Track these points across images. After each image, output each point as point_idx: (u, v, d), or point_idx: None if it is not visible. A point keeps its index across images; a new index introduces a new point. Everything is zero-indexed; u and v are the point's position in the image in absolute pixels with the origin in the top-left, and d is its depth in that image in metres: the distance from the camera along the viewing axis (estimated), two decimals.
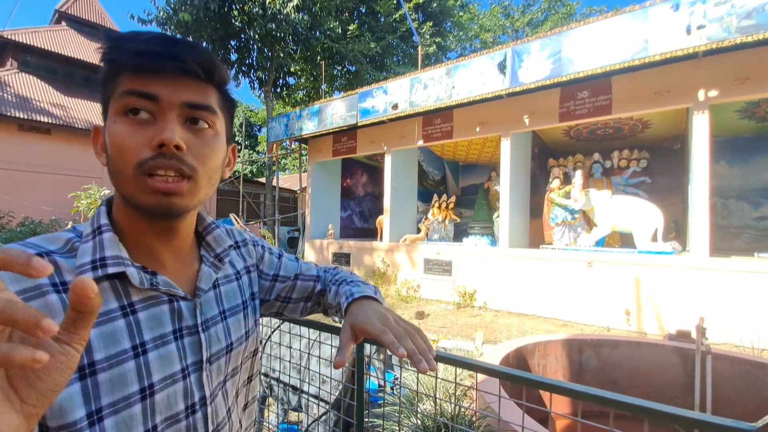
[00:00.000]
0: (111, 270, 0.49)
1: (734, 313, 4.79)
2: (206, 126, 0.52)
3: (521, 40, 6.48)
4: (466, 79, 6.95)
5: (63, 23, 16.82)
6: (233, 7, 12.69)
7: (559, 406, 2.88)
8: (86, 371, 0.46)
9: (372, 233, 11.08)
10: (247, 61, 14.62)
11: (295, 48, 14.46)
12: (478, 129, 7.51)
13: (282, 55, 14.03)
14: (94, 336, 0.47)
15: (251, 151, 30.07)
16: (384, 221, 9.05)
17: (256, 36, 13.01)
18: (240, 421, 0.65)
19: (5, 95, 12.63)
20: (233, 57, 14.46)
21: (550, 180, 7.26)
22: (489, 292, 6.87)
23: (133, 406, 0.48)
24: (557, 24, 21.48)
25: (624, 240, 6.91)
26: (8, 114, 11.90)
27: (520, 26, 23.95)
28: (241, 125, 20.66)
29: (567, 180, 7.24)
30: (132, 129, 0.48)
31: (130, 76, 0.48)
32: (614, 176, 7.90)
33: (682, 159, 7.24)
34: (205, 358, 0.56)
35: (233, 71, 14.67)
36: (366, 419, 1.08)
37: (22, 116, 12.15)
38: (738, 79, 5.12)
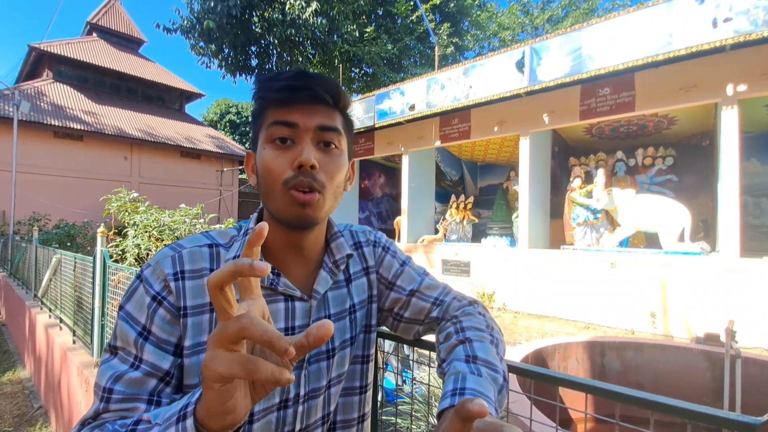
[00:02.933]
0: None
1: (766, 316, 4.60)
2: (334, 146, 0.60)
3: (540, 38, 6.40)
4: (483, 78, 6.91)
5: (94, 34, 17.60)
6: (254, 13, 12.99)
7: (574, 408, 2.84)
8: None
9: (390, 234, 11.10)
10: (266, 66, 14.92)
11: (313, 52, 14.68)
12: (496, 128, 7.44)
13: (300, 59, 14.27)
14: None
15: None
16: (402, 222, 9.08)
17: (276, 41, 13.29)
18: None
19: (42, 104, 13.31)
20: (254, 62, 14.79)
21: (571, 179, 7.12)
22: (508, 293, 6.79)
23: None
24: (578, 20, 20.98)
25: (649, 240, 6.71)
26: (45, 122, 12.54)
27: (540, 23, 23.50)
28: None
29: (589, 179, 7.08)
30: (277, 153, 0.58)
31: (275, 109, 0.58)
32: (638, 175, 7.67)
33: (711, 156, 6.97)
34: (305, 357, 0.60)
35: (253, 76, 15.02)
36: (382, 416, 1.12)
37: (56, 124, 12.78)
38: (766, 74, 4.91)
